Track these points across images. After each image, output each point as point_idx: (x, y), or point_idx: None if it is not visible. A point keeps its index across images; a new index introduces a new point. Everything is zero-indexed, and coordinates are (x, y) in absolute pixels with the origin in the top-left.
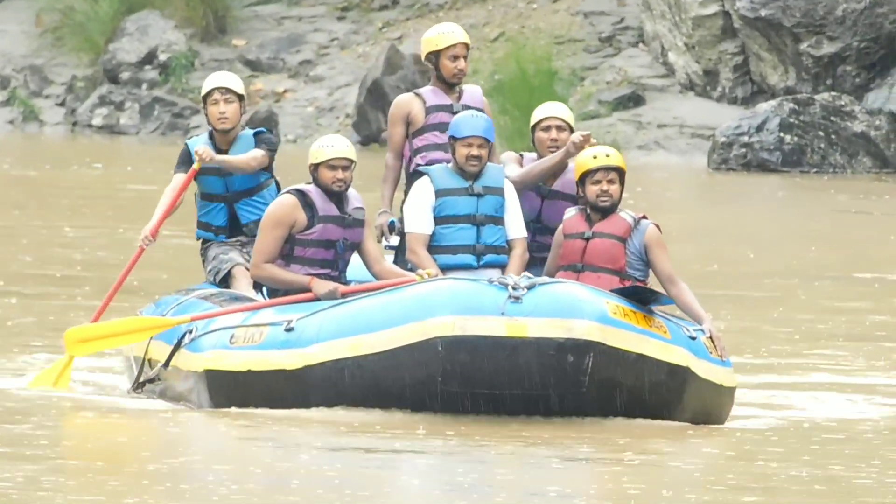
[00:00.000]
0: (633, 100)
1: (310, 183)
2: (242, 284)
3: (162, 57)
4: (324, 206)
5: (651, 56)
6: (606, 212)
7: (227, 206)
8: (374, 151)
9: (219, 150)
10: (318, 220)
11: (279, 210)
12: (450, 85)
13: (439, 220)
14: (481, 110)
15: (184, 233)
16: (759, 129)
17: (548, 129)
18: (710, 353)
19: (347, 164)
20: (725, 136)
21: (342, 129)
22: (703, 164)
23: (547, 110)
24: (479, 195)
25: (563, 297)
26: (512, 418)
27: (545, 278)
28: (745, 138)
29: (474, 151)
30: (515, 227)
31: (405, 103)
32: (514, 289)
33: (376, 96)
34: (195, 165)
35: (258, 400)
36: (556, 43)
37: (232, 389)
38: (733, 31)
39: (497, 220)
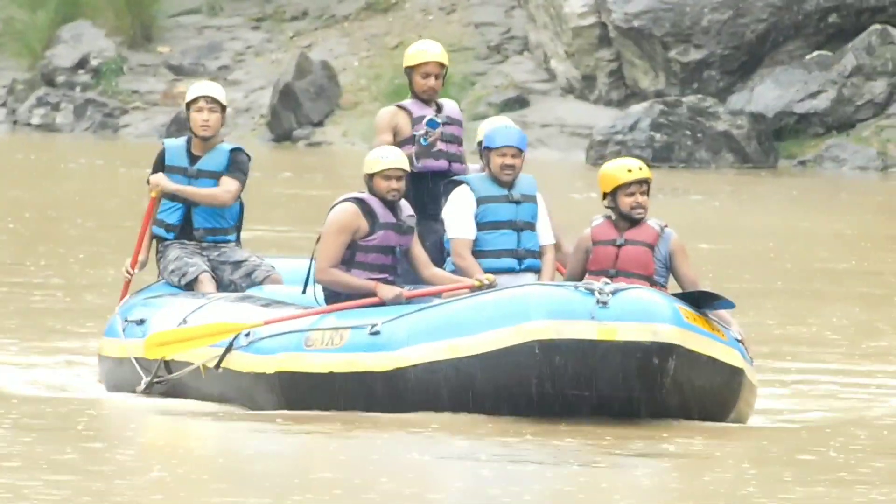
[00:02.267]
0: (519, 102)
1: (363, 192)
2: (208, 290)
3: (94, 62)
4: (383, 213)
5: (535, 63)
6: (635, 221)
7: (185, 207)
8: (286, 149)
9: (190, 156)
10: (379, 227)
11: (344, 217)
12: (424, 100)
13: (481, 226)
14: (460, 122)
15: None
16: (632, 128)
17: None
18: (747, 354)
19: (401, 175)
20: (602, 134)
21: (257, 129)
22: (582, 160)
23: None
24: (517, 202)
25: (644, 301)
26: (591, 421)
27: (623, 284)
28: (620, 137)
29: (508, 161)
30: (545, 233)
31: (392, 114)
32: (600, 293)
33: (287, 98)
34: (151, 194)
35: (339, 403)
36: (450, 51)
37: (309, 392)
38: (609, 41)
39: (532, 225)
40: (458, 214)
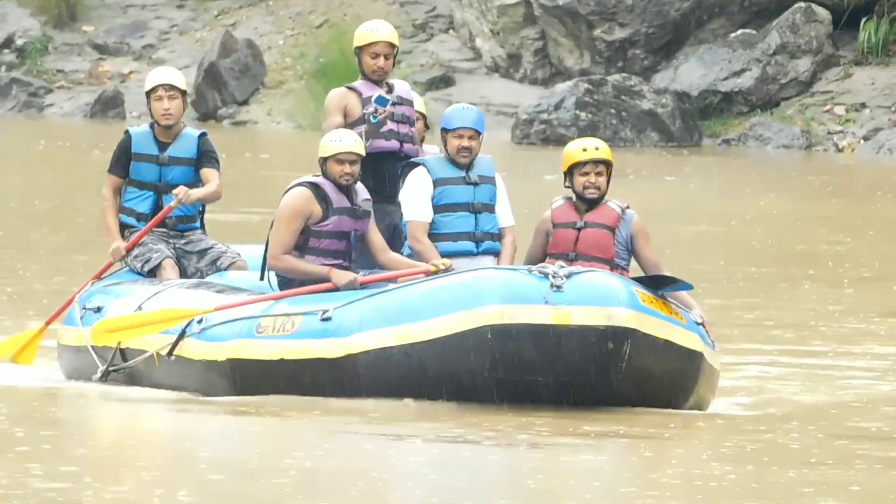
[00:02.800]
0: (445, 81)
1: (317, 175)
2: (171, 277)
3: (19, 42)
4: (337, 198)
5: (460, 41)
6: (594, 202)
7: (156, 195)
8: (211, 127)
9: (158, 143)
10: (333, 212)
11: (296, 202)
12: (374, 81)
13: (438, 208)
14: (411, 102)
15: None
16: (557, 107)
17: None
18: (707, 337)
19: (355, 159)
20: (527, 113)
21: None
22: (508, 139)
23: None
24: (475, 184)
25: (599, 285)
26: (546, 407)
27: (579, 267)
28: (545, 115)
29: (465, 143)
30: (505, 215)
31: (341, 96)
32: (554, 277)
33: (212, 77)
34: (172, 204)
35: (290, 390)
36: None
37: (261, 379)
38: (534, 19)
39: (491, 207)
40: (415, 197)
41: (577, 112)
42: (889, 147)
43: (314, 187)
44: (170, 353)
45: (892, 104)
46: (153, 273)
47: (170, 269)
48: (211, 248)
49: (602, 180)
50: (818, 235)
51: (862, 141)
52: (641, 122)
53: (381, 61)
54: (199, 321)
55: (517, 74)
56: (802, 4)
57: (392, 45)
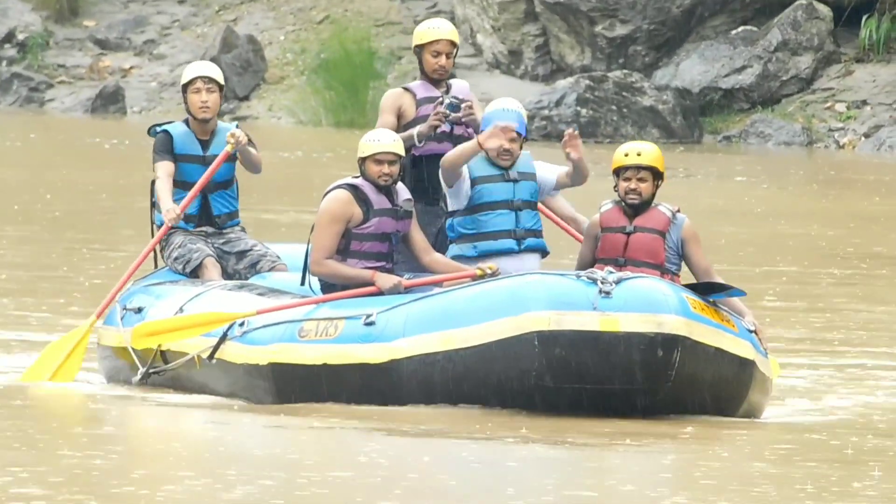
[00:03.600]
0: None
1: (357, 177)
2: (213, 276)
3: (20, 36)
4: (377, 199)
5: (461, 37)
6: (638, 207)
7: (202, 195)
8: None
9: (199, 141)
10: (373, 214)
11: (335, 205)
12: (433, 80)
13: (477, 207)
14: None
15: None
16: (558, 103)
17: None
18: (760, 346)
19: (394, 159)
20: (528, 109)
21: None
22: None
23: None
24: (514, 181)
25: (649, 291)
26: (594, 414)
27: (628, 273)
28: (546, 112)
29: (507, 145)
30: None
31: (396, 96)
32: (603, 283)
33: None
34: (228, 149)
35: (333, 395)
36: (376, 25)
37: (302, 384)
38: (535, 15)
39: (532, 204)
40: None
41: (578, 108)
42: (890, 144)
43: (353, 189)
44: (211, 357)
45: (893, 101)
46: (195, 273)
47: (212, 267)
48: (250, 249)
49: (645, 186)
50: (855, 234)
51: (863, 138)
52: (642, 119)
53: (442, 60)
54: (241, 324)
55: (518, 71)
56: (804, 1)
57: (453, 44)
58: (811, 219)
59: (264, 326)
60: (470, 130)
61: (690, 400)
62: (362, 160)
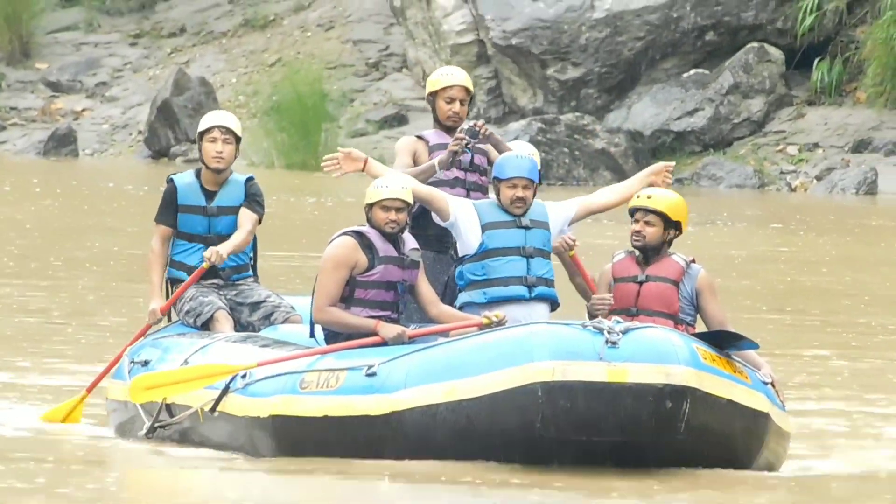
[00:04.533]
0: (398, 119)
1: (363, 225)
2: (225, 329)
3: None
4: (383, 247)
5: (413, 80)
6: (649, 253)
7: (206, 247)
8: (164, 164)
9: (205, 192)
10: (379, 262)
11: (340, 252)
12: (447, 127)
13: (488, 253)
14: (486, 153)
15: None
16: None
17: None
18: (776, 398)
19: (402, 206)
20: None
21: (135, 145)
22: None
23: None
24: (526, 227)
25: (657, 341)
26: (605, 468)
27: (636, 323)
28: None
29: (519, 193)
30: (570, 208)
31: (411, 142)
32: (609, 333)
33: (165, 114)
34: (204, 265)
35: (335, 448)
36: (328, 68)
37: (304, 436)
38: (487, 58)
39: (544, 253)
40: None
41: None
42: (842, 187)
43: (359, 236)
44: (213, 409)
45: (845, 144)
46: (206, 326)
47: (223, 320)
48: (264, 301)
49: (651, 231)
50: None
51: (815, 181)
52: (594, 161)
53: (456, 106)
54: (244, 376)
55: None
56: (755, 45)
57: (467, 91)
58: (765, 260)
59: (266, 378)
60: (485, 160)
61: (702, 453)
62: (369, 206)
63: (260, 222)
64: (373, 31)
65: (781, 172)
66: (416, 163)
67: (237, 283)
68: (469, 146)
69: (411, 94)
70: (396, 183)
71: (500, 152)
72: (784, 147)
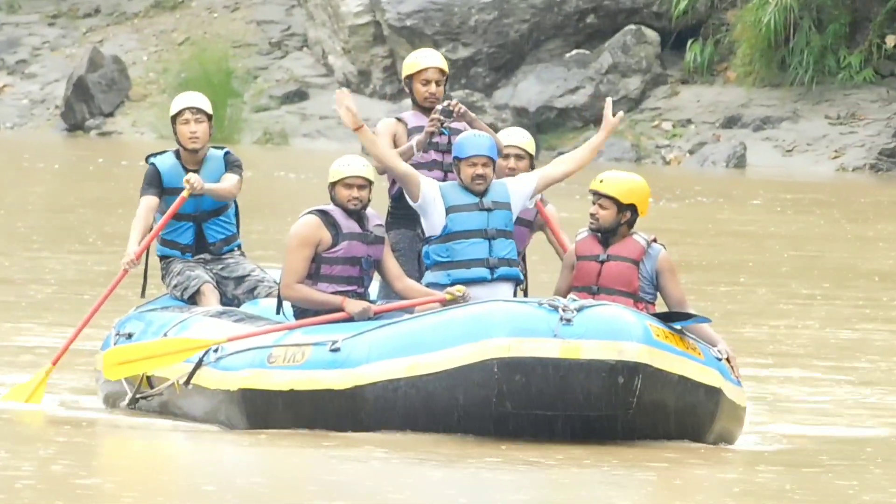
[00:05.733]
0: (299, 95)
1: (328, 203)
2: (211, 301)
3: None
4: (346, 223)
5: (314, 58)
6: (606, 235)
7: (195, 225)
8: (79, 137)
9: (186, 170)
10: (343, 238)
11: (304, 230)
12: (424, 108)
13: (451, 235)
14: (461, 132)
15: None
16: None
17: (506, 157)
18: (731, 373)
19: (364, 184)
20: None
21: (52, 119)
22: (359, 150)
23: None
24: (488, 210)
25: (610, 319)
26: (560, 441)
27: (591, 301)
28: None
29: (479, 171)
30: (531, 178)
31: (391, 125)
32: (564, 311)
33: (81, 90)
34: (184, 194)
35: (301, 421)
36: (234, 47)
37: (271, 410)
38: (383, 38)
39: (507, 233)
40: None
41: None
42: (713, 160)
43: (323, 214)
44: (187, 382)
45: (716, 120)
46: (193, 300)
47: (209, 293)
48: (248, 274)
49: (604, 214)
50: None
51: (688, 154)
52: None
53: (432, 87)
54: (216, 350)
55: (367, 90)
56: (633, 27)
57: (442, 72)
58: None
59: (236, 353)
60: None
61: (653, 427)
62: (332, 185)
63: (241, 183)
64: (275, 13)
65: (657, 147)
66: (395, 145)
67: (224, 256)
68: (445, 126)
69: (311, 72)
70: (358, 161)
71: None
72: (659, 123)
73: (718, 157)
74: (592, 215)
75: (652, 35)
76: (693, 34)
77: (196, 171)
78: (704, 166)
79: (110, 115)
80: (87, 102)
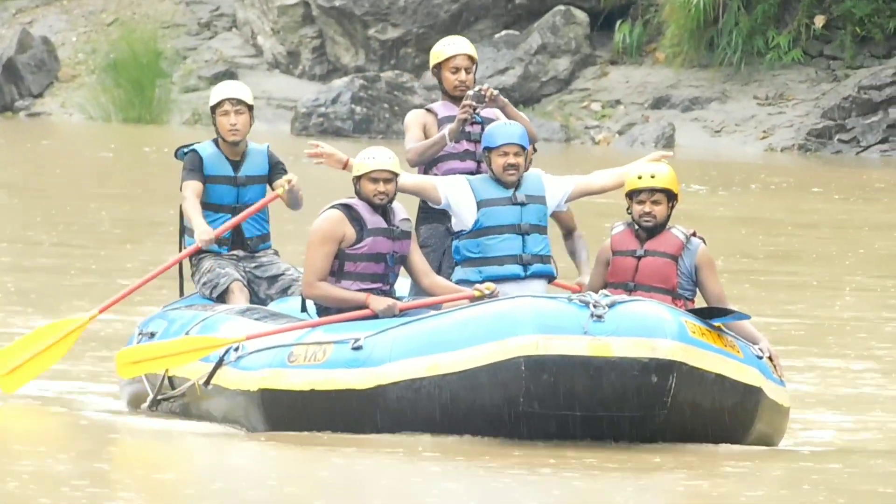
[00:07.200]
0: (228, 76)
1: (352, 197)
2: (240, 301)
3: None
4: (371, 218)
5: (243, 39)
6: (653, 230)
7: (233, 218)
8: (8, 118)
9: (230, 162)
10: (367, 234)
11: (326, 225)
12: (454, 97)
13: (483, 230)
14: (494, 121)
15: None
16: (334, 101)
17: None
18: (773, 372)
19: (390, 177)
20: (306, 107)
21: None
22: (287, 131)
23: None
24: (522, 204)
25: (643, 315)
26: (589, 443)
27: (624, 297)
28: (323, 109)
29: (511, 160)
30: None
31: (421, 115)
32: (595, 307)
33: (10, 72)
34: (279, 192)
35: (322, 422)
36: (162, 27)
37: (291, 410)
38: (312, 19)
39: (541, 228)
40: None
41: (353, 106)
42: (642, 140)
43: (346, 209)
44: (206, 383)
45: (645, 101)
46: (222, 298)
47: (238, 292)
48: (282, 274)
49: (659, 209)
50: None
51: (617, 135)
52: None
53: (462, 75)
54: (236, 349)
55: (296, 70)
56: (562, 8)
57: (471, 59)
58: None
59: (257, 352)
60: None
61: (689, 427)
62: (357, 179)
63: None
64: None
65: (586, 127)
66: (426, 136)
67: (257, 254)
68: (477, 112)
69: (240, 53)
70: (384, 153)
71: (508, 117)
72: (588, 104)
73: (647, 137)
74: (648, 213)
75: (581, 16)
76: (622, 15)
77: (238, 163)
78: (633, 147)
79: (39, 95)
80: (17, 83)
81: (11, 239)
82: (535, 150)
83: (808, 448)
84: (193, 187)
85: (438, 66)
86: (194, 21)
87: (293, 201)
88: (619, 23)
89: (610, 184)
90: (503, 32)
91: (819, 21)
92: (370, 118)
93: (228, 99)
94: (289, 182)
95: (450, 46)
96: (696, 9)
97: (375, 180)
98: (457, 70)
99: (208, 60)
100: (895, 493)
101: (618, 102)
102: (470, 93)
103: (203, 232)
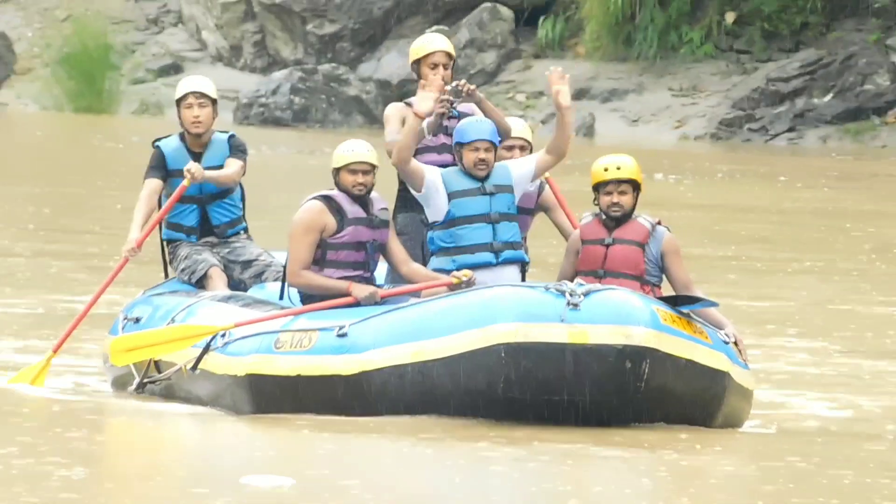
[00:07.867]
0: (174, 68)
1: (332, 189)
2: (219, 285)
3: None
4: (350, 208)
5: (188, 34)
6: (620, 219)
7: (199, 207)
8: None
9: (192, 154)
10: (347, 223)
11: (308, 216)
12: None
13: (455, 221)
14: (471, 115)
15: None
16: (274, 92)
17: (510, 148)
18: (738, 357)
19: (368, 169)
20: (247, 98)
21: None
22: (230, 120)
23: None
24: (491, 194)
25: (617, 303)
26: (567, 426)
27: (598, 285)
28: (263, 100)
29: (481, 155)
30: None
31: (400, 109)
32: (571, 295)
33: None
34: (184, 183)
35: (307, 406)
36: (113, 23)
37: (278, 395)
38: (254, 15)
39: (510, 217)
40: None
41: (292, 97)
42: None
43: (326, 199)
44: (194, 367)
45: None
46: (201, 283)
47: (217, 277)
48: (256, 259)
49: (626, 199)
50: None
51: (541, 124)
52: (348, 107)
53: (440, 71)
54: (223, 335)
55: (239, 63)
56: (489, 4)
57: (449, 55)
58: None
59: (244, 338)
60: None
61: (661, 411)
62: (336, 170)
63: (245, 168)
64: None
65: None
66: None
67: (230, 239)
68: (454, 106)
69: (186, 47)
70: (362, 146)
71: (484, 111)
72: (514, 95)
73: None
74: (616, 204)
75: (506, 12)
76: (545, 11)
77: (200, 155)
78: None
79: None
80: None
81: None
82: (530, 145)
83: (775, 427)
84: (150, 186)
85: (417, 61)
86: (143, 17)
87: (220, 183)
88: (542, 19)
89: (562, 144)
90: (433, 27)
91: (730, 17)
92: (308, 108)
93: (192, 92)
94: (187, 171)
95: (429, 43)
96: (615, 5)
97: (354, 171)
98: (435, 66)
99: (155, 54)
100: (855, 474)
101: (541, 94)
102: (447, 87)
103: (128, 241)
